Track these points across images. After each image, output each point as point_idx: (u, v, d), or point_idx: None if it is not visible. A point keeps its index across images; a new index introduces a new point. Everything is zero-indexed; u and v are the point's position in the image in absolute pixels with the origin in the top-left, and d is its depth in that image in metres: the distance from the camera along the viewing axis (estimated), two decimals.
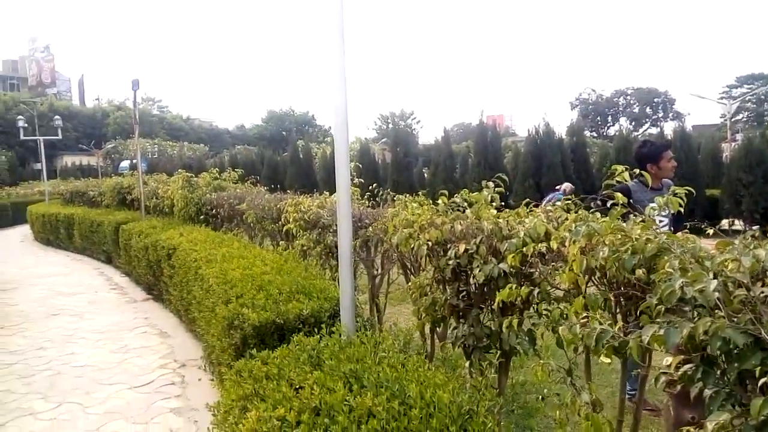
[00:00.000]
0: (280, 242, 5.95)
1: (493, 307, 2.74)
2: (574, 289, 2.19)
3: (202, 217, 8.64)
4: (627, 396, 3.74)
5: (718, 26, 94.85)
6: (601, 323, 1.65)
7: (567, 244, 2.01)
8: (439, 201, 3.36)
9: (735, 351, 1.44)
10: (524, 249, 2.33)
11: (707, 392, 1.49)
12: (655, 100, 54.08)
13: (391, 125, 49.22)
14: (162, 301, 7.66)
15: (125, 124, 48.01)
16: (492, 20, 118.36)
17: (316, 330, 3.00)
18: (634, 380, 3.90)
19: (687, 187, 2.30)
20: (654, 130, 45.69)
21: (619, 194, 2.28)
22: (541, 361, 2.11)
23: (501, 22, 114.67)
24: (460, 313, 3.05)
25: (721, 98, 48.03)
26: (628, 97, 56.08)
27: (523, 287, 2.33)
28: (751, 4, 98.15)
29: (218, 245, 5.91)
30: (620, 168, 2.36)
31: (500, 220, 2.82)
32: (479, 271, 2.66)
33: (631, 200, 2.87)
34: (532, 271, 2.51)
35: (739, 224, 14.15)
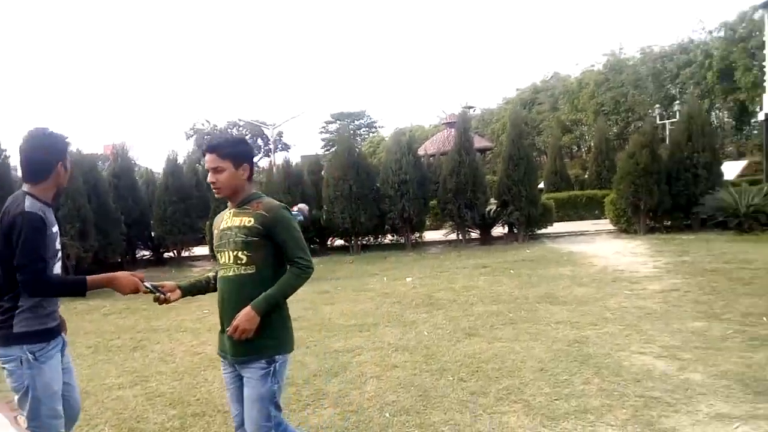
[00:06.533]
0: None
1: None
2: None
3: None
4: None
5: (312, 69, 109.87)
6: None
7: None
8: None
9: None
10: None
11: None
12: (265, 132, 57.86)
13: None
14: None
15: None
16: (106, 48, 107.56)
17: None
18: None
19: None
20: (267, 159, 49.27)
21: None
22: None
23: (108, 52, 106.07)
24: None
25: (321, 131, 55.11)
26: (241, 129, 58.39)
27: None
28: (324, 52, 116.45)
29: None
30: None
31: None
32: None
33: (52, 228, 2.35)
34: None
35: None
